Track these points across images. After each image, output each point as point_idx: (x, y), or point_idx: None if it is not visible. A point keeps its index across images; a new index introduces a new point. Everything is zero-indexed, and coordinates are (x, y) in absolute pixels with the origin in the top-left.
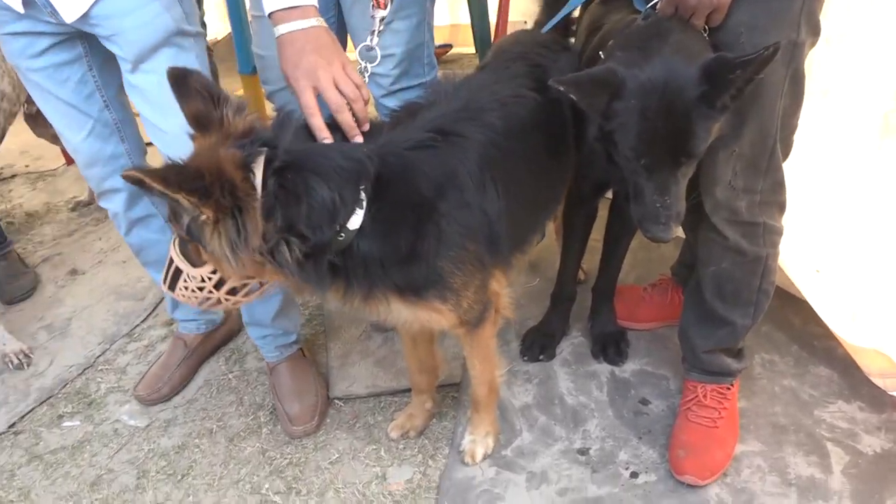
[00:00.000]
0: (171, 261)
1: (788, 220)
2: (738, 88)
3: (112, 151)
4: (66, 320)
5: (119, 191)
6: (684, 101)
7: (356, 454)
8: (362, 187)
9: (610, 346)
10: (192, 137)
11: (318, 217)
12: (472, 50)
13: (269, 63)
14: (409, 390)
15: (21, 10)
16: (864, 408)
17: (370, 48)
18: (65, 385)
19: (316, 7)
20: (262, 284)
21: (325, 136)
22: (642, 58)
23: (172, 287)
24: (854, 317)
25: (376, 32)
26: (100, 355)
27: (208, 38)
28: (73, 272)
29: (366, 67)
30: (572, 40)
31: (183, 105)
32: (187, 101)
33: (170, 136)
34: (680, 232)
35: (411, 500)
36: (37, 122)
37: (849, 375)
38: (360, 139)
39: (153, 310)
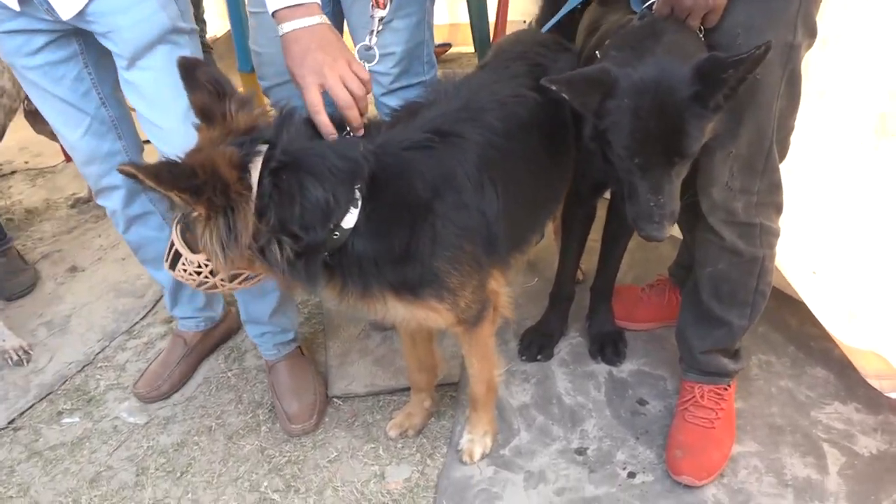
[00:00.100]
0: (173, 243)
1: (785, 222)
2: (731, 88)
3: (109, 149)
4: (66, 317)
5: (117, 188)
6: (677, 100)
7: (355, 453)
8: (357, 186)
9: (608, 346)
10: (197, 128)
11: (312, 217)
12: (471, 49)
13: (266, 59)
14: (407, 389)
15: (17, 7)
16: (860, 409)
17: (368, 48)
18: (64, 382)
19: (319, 4)
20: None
21: (332, 133)
22: (635, 57)
23: (173, 267)
24: (851, 318)
25: (375, 32)
26: (99, 352)
27: (208, 36)
28: (73, 269)
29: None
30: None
31: (190, 96)
32: (194, 93)
33: (165, 131)
34: (677, 233)
35: (409, 499)
36: (36, 118)
37: (845, 377)
38: (361, 132)
39: (153, 307)
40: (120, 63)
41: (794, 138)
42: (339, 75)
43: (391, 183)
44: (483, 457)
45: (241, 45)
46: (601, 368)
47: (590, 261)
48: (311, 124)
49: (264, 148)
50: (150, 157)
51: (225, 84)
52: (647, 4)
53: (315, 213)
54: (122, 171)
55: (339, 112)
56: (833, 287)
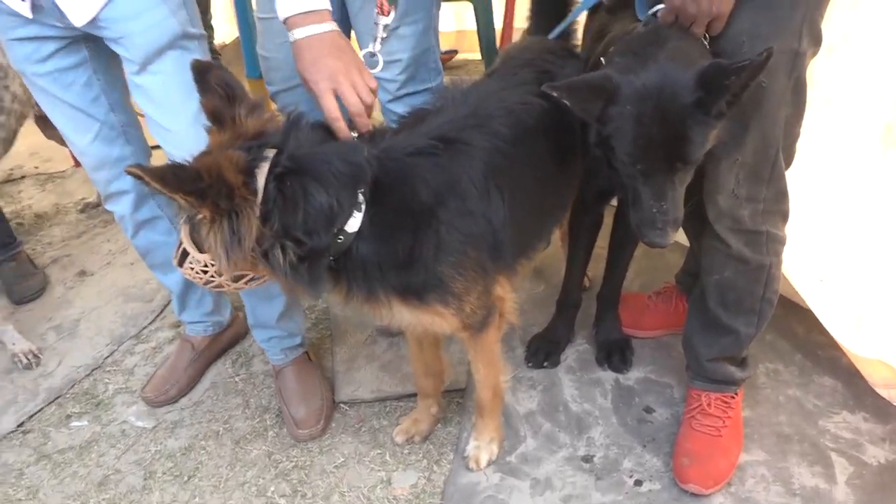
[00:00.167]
0: (181, 241)
1: (792, 230)
2: (734, 95)
3: (118, 154)
4: (75, 321)
5: (126, 193)
6: (679, 106)
7: (361, 458)
8: (361, 191)
9: (614, 353)
10: (208, 131)
11: (315, 223)
12: (477, 56)
13: (274, 64)
14: (414, 395)
15: (30, 14)
16: (868, 418)
17: (373, 54)
18: (73, 385)
19: (330, 11)
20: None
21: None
22: (638, 64)
23: (181, 265)
24: (858, 326)
25: (379, 39)
26: (108, 356)
27: (216, 42)
28: (82, 273)
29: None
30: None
31: (202, 99)
32: (206, 96)
33: (174, 134)
34: (684, 240)
35: None
36: (47, 124)
37: (853, 385)
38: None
39: (161, 312)
40: (130, 68)
41: (801, 146)
42: (351, 82)
43: (394, 188)
44: (489, 463)
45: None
46: (608, 376)
47: (596, 268)
48: (318, 129)
49: (271, 153)
50: (158, 162)
51: (236, 88)
52: (651, 11)
53: (318, 218)
54: (129, 173)
55: (350, 118)
56: (840, 295)
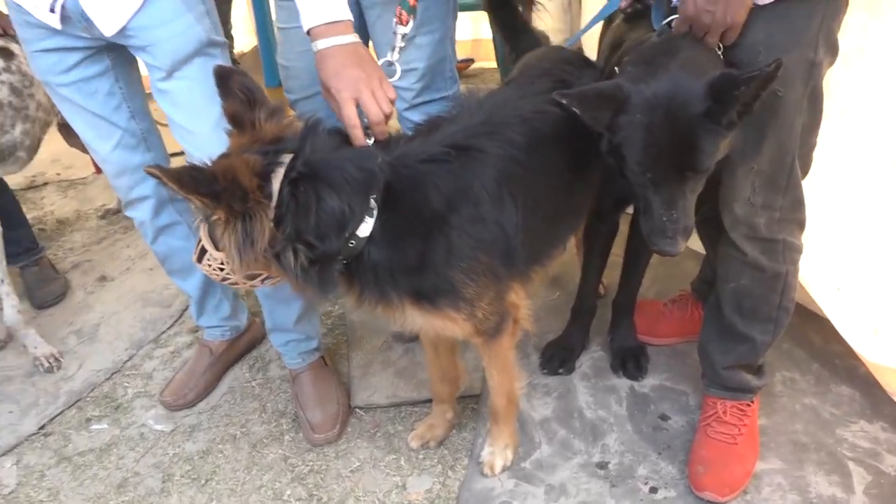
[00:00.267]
0: (200, 239)
1: (809, 238)
2: (745, 105)
3: (139, 161)
4: (95, 326)
5: (146, 198)
6: (689, 116)
7: (376, 463)
8: (373, 196)
9: (629, 360)
10: (229, 134)
11: (327, 227)
12: (493, 64)
13: (293, 73)
14: (429, 401)
15: (58, 26)
16: (886, 427)
17: (391, 63)
18: (93, 389)
19: (352, 22)
20: None
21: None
22: (649, 73)
23: (199, 261)
24: (875, 335)
25: (397, 48)
26: (127, 360)
27: (235, 51)
28: (102, 279)
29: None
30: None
31: (223, 103)
32: (227, 100)
33: (197, 136)
34: (700, 248)
35: None
36: (69, 132)
37: (871, 395)
38: None
39: (179, 317)
40: (156, 74)
41: (817, 155)
42: (372, 92)
43: (406, 194)
44: (504, 469)
45: (268, 61)
46: (623, 383)
47: (612, 275)
48: (335, 134)
49: (288, 158)
50: None
51: (256, 92)
52: (665, 21)
53: (330, 223)
54: (148, 172)
55: (369, 126)
56: (857, 304)
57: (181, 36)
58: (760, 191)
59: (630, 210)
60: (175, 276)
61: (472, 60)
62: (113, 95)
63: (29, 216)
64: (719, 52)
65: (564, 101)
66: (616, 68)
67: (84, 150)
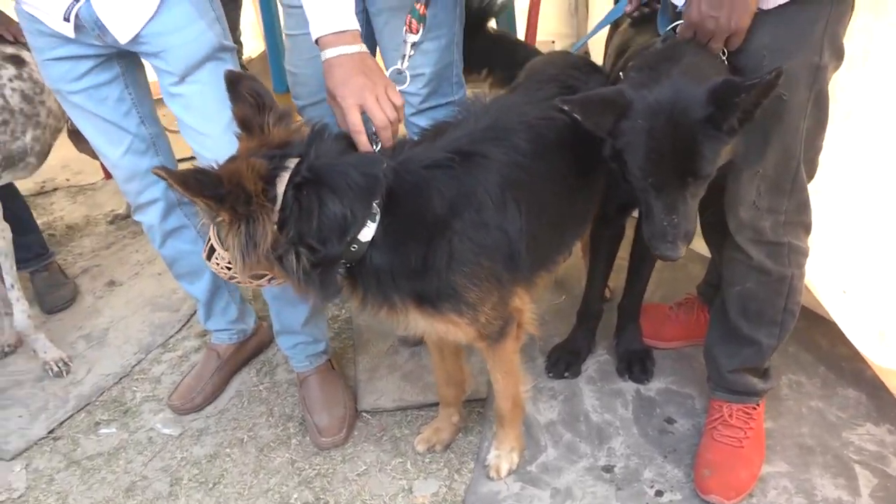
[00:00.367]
0: (210, 237)
1: (815, 241)
2: (746, 112)
3: (148, 165)
4: (104, 330)
5: (155, 202)
6: (690, 121)
7: (383, 467)
8: (376, 201)
9: (635, 364)
10: (239, 137)
11: (329, 232)
12: None
13: (301, 79)
14: (435, 405)
15: (72, 34)
16: (893, 430)
17: (400, 71)
18: (102, 393)
19: (360, 32)
20: None
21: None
22: (652, 79)
23: (209, 258)
24: (882, 338)
25: (407, 56)
26: (135, 365)
27: (244, 56)
28: (111, 283)
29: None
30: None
31: (233, 107)
32: (237, 104)
33: (209, 138)
34: (706, 251)
35: None
36: (79, 138)
37: (877, 398)
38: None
39: (187, 321)
40: (168, 79)
41: (823, 158)
42: (377, 98)
43: (409, 199)
44: (510, 473)
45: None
46: (629, 386)
47: (618, 279)
48: (342, 139)
49: (293, 162)
50: None
51: (265, 97)
52: (670, 27)
53: (332, 227)
54: (155, 173)
55: (375, 131)
56: (864, 306)
57: (194, 42)
58: (766, 194)
59: (636, 214)
60: (182, 280)
61: None
62: (123, 101)
63: (39, 221)
64: (724, 58)
65: (566, 108)
66: (621, 73)
67: (94, 155)
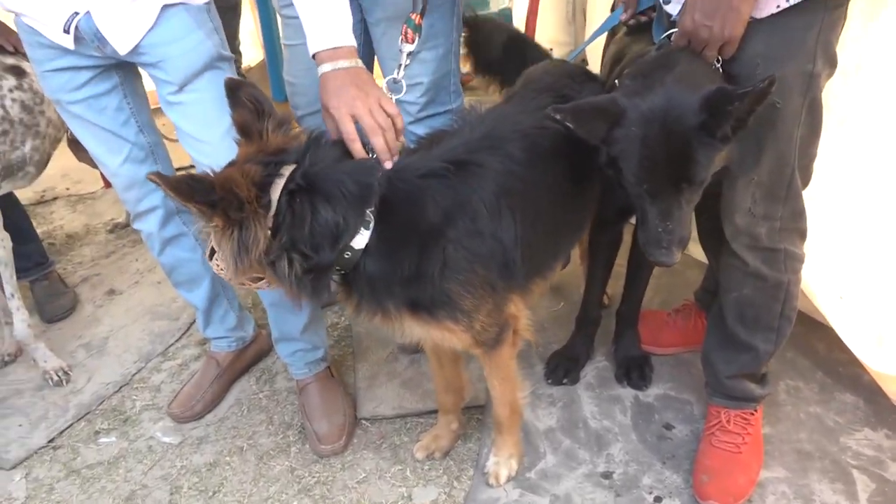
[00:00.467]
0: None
1: (812, 247)
2: (739, 119)
3: (147, 173)
4: (104, 339)
5: (154, 210)
6: (684, 129)
7: (382, 474)
8: (370, 209)
9: (634, 370)
10: (238, 143)
11: (321, 239)
12: None
13: (300, 89)
14: (434, 412)
15: (72, 46)
16: (890, 435)
17: (396, 80)
18: (102, 402)
19: (356, 48)
20: None
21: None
22: (646, 87)
23: (211, 258)
24: (879, 343)
25: (403, 66)
26: (135, 373)
27: (243, 65)
28: (111, 292)
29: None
30: None
31: (233, 113)
32: (236, 110)
33: (208, 145)
34: (703, 257)
35: None
36: (79, 147)
37: (875, 403)
38: (389, 164)
39: (187, 329)
40: (167, 89)
41: (818, 165)
42: (368, 107)
43: (402, 207)
44: (509, 479)
45: (275, 76)
46: (627, 393)
47: (616, 285)
48: (338, 147)
49: (289, 169)
50: None
51: (265, 103)
52: (665, 35)
53: (325, 234)
54: (149, 178)
55: (366, 138)
56: (861, 312)
57: (193, 52)
58: (761, 201)
59: (633, 220)
60: (181, 288)
61: None
62: (122, 111)
63: (39, 231)
64: (718, 66)
65: (558, 116)
66: (617, 81)
67: (93, 165)
